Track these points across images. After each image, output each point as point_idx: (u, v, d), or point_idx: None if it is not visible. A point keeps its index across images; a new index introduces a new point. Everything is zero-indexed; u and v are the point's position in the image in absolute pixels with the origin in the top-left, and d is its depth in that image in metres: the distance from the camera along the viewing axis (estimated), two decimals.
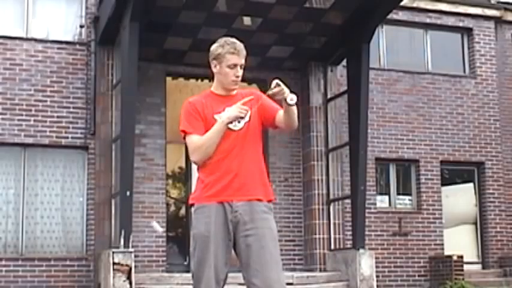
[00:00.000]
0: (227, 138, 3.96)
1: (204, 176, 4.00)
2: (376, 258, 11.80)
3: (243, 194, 3.93)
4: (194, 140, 3.99)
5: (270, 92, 3.88)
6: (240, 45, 4.04)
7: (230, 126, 3.96)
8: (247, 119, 4.02)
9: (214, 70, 4.07)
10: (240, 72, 4.05)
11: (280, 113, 4.01)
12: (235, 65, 4.01)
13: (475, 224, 14.17)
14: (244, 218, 3.91)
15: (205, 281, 3.85)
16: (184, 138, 4.07)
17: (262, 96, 4.14)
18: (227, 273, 3.95)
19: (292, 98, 3.85)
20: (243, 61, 4.04)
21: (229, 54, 3.99)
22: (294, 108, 3.91)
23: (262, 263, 3.85)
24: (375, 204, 13.18)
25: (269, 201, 4.05)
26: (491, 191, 14.10)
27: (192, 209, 4.03)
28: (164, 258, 11.76)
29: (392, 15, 12.88)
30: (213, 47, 4.06)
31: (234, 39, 4.07)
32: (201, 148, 3.95)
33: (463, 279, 12.47)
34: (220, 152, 3.96)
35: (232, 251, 4.00)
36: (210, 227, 3.89)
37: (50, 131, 11.52)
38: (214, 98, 4.09)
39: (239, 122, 3.99)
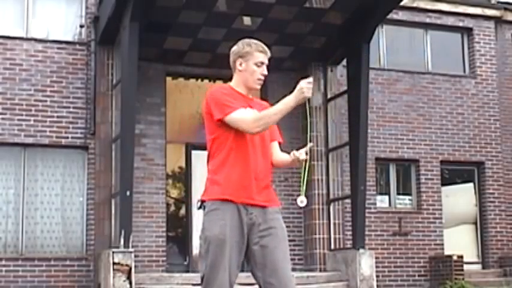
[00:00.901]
0: (248, 137, 3.90)
1: (222, 173, 3.89)
2: (376, 258, 11.80)
3: (258, 200, 3.90)
4: (248, 112, 3.86)
5: (295, 152, 3.90)
6: (265, 47, 4.05)
7: None
8: None
9: (239, 68, 4.01)
10: (266, 71, 4.03)
11: (275, 145, 4.09)
12: (262, 63, 4.01)
13: (475, 224, 14.17)
14: (259, 220, 3.90)
15: (218, 284, 3.80)
16: (221, 120, 3.86)
17: None
18: (237, 276, 3.91)
19: (302, 201, 3.98)
20: (267, 62, 4.05)
21: (257, 52, 4.00)
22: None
23: (277, 262, 3.86)
24: (375, 204, 13.17)
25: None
26: (491, 191, 14.09)
27: (204, 210, 3.91)
28: (164, 258, 11.76)
29: (392, 15, 12.88)
30: (239, 46, 4.03)
31: (257, 41, 4.07)
32: (264, 119, 3.81)
33: (463, 279, 12.47)
34: (239, 150, 3.89)
35: None
36: (225, 230, 3.82)
37: (50, 131, 11.52)
38: (236, 93, 4.00)
39: None
